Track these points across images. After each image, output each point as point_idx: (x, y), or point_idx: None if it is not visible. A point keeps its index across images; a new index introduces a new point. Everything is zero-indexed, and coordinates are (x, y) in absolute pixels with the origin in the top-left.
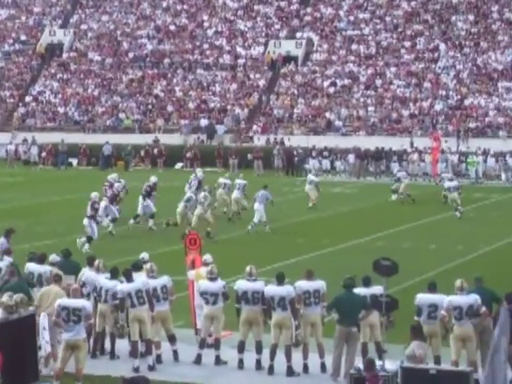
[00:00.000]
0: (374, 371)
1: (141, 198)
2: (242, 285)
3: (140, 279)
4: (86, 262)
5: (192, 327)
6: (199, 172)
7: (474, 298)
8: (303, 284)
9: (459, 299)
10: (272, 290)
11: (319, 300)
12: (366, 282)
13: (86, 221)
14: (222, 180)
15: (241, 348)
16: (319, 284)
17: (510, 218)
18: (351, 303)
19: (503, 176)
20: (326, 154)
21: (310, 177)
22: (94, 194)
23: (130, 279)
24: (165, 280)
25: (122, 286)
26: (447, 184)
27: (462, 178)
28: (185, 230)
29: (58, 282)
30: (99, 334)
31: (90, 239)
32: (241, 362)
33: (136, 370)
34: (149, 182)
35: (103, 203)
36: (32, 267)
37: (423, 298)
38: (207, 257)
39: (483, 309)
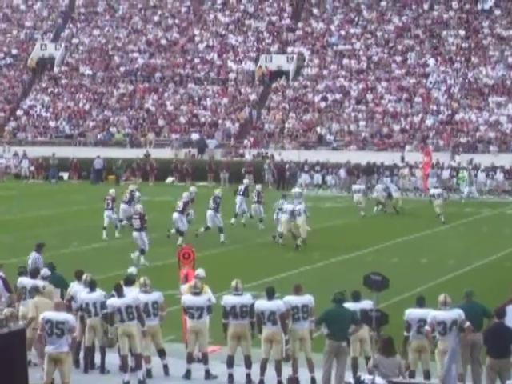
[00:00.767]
0: None
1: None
2: (229, 300)
3: (131, 295)
4: (75, 276)
5: (183, 342)
6: (192, 187)
7: (457, 313)
8: (291, 299)
9: (443, 314)
10: (262, 304)
11: (308, 315)
12: (356, 297)
13: (136, 234)
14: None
15: (230, 363)
16: (307, 299)
17: (500, 232)
18: (341, 318)
19: (466, 190)
20: (317, 168)
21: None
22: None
23: (120, 294)
24: (156, 296)
25: (112, 301)
26: (432, 191)
27: (452, 193)
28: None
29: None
30: (89, 349)
31: (142, 251)
32: (230, 376)
33: None
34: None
35: (175, 214)
36: (25, 281)
37: (412, 313)
38: (200, 271)
39: (467, 324)
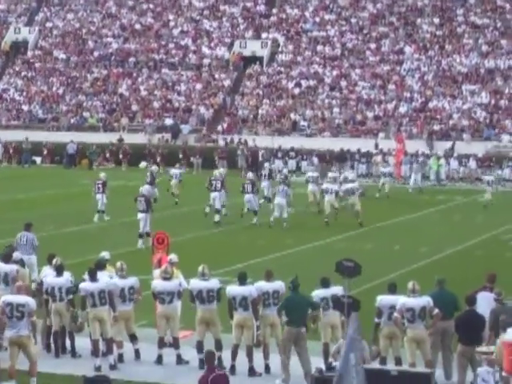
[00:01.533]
0: (213, 365)
1: None
2: (195, 284)
3: (104, 279)
4: (47, 260)
5: (155, 327)
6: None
7: (426, 300)
8: (262, 285)
9: (412, 301)
10: (234, 289)
11: (278, 301)
12: (325, 283)
13: (141, 216)
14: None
15: (199, 348)
16: (278, 285)
17: (473, 220)
18: (299, 304)
19: (412, 177)
20: (292, 154)
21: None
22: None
23: (94, 279)
24: (132, 281)
25: (85, 285)
26: (344, 186)
27: (425, 180)
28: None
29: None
30: (57, 333)
31: (148, 234)
32: (201, 362)
33: (97, 368)
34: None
35: (248, 196)
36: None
37: (384, 299)
38: (173, 256)
39: (435, 311)
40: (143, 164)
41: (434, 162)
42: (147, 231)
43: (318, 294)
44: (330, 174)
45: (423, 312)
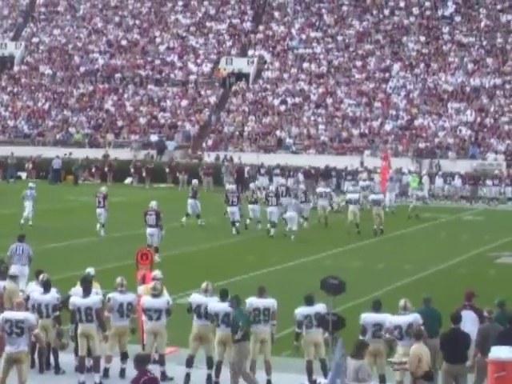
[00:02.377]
0: (144, 368)
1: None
2: (196, 298)
3: (95, 297)
4: (35, 275)
5: (139, 343)
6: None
7: (413, 317)
8: (254, 301)
9: (399, 319)
10: (216, 306)
11: (269, 318)
12: (309, 301)
13: (150, 230)
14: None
15: (189, 362)
16: (270, 302)
17: (458, 238)
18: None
19: (387, 196)
20: (277, 171)
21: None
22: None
23: (86, 294)
24: (132, 297)
25: (74, 299)
26: (372, 197)
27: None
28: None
29: None
30: (43, 349)
31: (156, 250)
32: (187, 376)
33: None
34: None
35: (271, 208)
36: None
37: (368, 317)
38: (156, 273)
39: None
40: (128, 180)
41: (414, 179)
42: (156, 247)
43: (301, 311)
44: (319, 189)
45: (410, 328)
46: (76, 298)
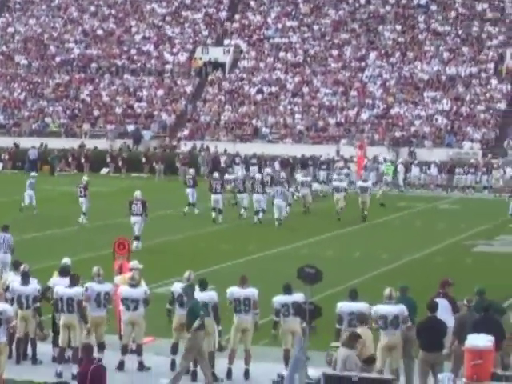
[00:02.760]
0: (91, 357)
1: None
2: (178, 287)
3: (77, 288)
4: (13, 266)
5: (116, 333)
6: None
7: (400, 308)
8: (234, 290)
9: (385, 308)
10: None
11: (249, 308)
12: (287, 290)
13: (135, 219)
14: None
15: (174, 349)
16: (250, 292)
17: (433, 226)
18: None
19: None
20: (253, 160)
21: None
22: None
23: (72, 284)
24: (109, 287)
25: (57, 289)
26: (335, 184)
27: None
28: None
29: None
30: (21, 340)
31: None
32: (173, 362)
33: (59, 375)
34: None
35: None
36: None
37: (344, 306)
38: (134, 263)
39: (409, 324)
40: (105, 170)
41: (388, 168)
42: (137, 235)
43: (278, 300)
44: (300, 178)
45: (396, 320)
46: (60, 287)
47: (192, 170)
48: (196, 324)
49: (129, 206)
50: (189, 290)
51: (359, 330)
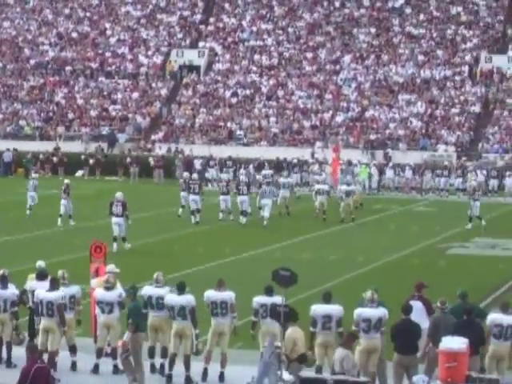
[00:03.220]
0: (35, 356)
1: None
2: (147, 290)
3: (58, 292)
4: None
5: (91, 336)
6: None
7: (382, 312)
8: (211, 294)
9: (369, 312)
10: (172, 299)
11: (226, 311)
12: (269, 291)
13: (117, 220)
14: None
15: (151, 353)
16: (227, 295)
17: (408, 229)
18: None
19: (339, 188)
20: (229, 163)
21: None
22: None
23: (52, 288)
24: (74, 290)
25: (38, 292)
26: (317, 187)
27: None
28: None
29: None
30: None
31: (123, 239)
32: (153, 366)
33: None
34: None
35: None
36: None
37: (318, 308)
38: (111, 266)
39: (383, 328)
40: (80, 173)
41: (363, 170)
42: (123, 236)
43: (258, 300)
44: (281, 180)
45: (379, 323)
46: (41, 291)
47: (186, 174)
48: (130, 329)
49: (109, 208)
50: (131, 291)
51: (290, 329)
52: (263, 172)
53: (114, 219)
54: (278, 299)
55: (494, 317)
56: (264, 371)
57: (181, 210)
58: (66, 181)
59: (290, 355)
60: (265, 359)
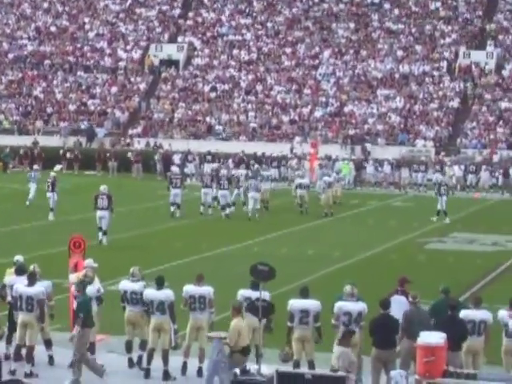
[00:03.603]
0: None
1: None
2: (124, 285)
3: (38, 288)
4: None
5: (70, 331)
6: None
7: (362, 306)
8: (190, 288)
9: (350, 305)
10: (151, 294)
11: (205, 306)
12: (254, 286)
13: (102, 213)
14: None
15: (128, 348)
16: (205, 290)
17: (387, 224)
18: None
19: (318, 183)
20: (209, 158)
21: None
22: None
23: (31, 283)
24: (45, 285)
25: (18, 287)
26: (298, 181)
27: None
28: None
29: None
30: None
31: (104, 232)
32: (130, 360)
33: (12, 372)
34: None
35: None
36: None
37: (295, 303)
38: (89, 261)
39: (363, 323)
40: (58, 167)
41: (345, 166)
42: (105, 230)
43: (243, 293)
44: (262, 173)
45: (359, 317)
46: (20, 285)
47: (176, 169)
48: (78, 323)
49: (94, 201)
50: (80, 285)
51: (235, 320)
52: (240, 171)
53: (99, 212)
54: (263, 294)
55: (467, 313)
56: (214, 369)
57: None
58: (53, 173)
59: (234, 346)
60: (212, 358)
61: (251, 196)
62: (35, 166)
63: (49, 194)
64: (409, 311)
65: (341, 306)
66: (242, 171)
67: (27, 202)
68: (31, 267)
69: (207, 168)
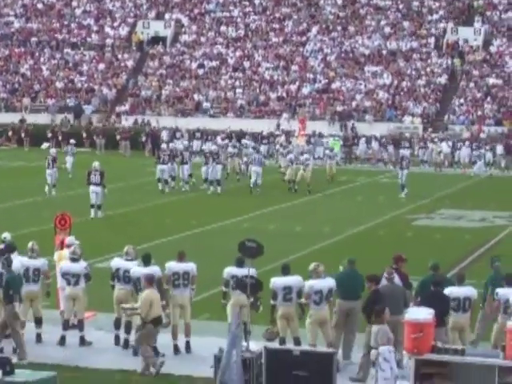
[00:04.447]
0: None
1: None
2: (116, 262)
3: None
4: None
5: (57, 308)
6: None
7: (332, 282)
8: (172, 265)
9: (320, 283)
10: (138, 271)
11: (188, 282)
12: (239, 263)
13: (95, 188)
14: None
15: (117, 325)
16: (189, 266)
17: (375, 200)
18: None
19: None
20: (197, 135)
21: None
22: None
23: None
24: (40, 263)
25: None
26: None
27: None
28: None
29: None
30: None
31: (99, 207)
32: (117, 337)
33: (0, 350)
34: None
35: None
36: None
37: (277, 281)
38: (70, 238)
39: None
40: (45, 145)
41: (336, 143)
42: (99, 204)
43: (229, 271)
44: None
45: (330, 294)
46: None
47: (172, 145)
48: (8, 298)
49: (87, 177)
50: (5, 262)
51: (147, 291)
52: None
53: (92, 187)
54: (251, 271)
55: (451, 290)
56: (232, 343)
57: (173, 182)
58: (53, 150)
59: (146, 317)
60: (232, 331)
61: (254, 170)
62: (72, 140)
63: (48, 171)
64: (382, 287)
65: (312, 284)
66: (248, 142)
67: (70, 175)
68: (29, 244)
69: (208, 145)
